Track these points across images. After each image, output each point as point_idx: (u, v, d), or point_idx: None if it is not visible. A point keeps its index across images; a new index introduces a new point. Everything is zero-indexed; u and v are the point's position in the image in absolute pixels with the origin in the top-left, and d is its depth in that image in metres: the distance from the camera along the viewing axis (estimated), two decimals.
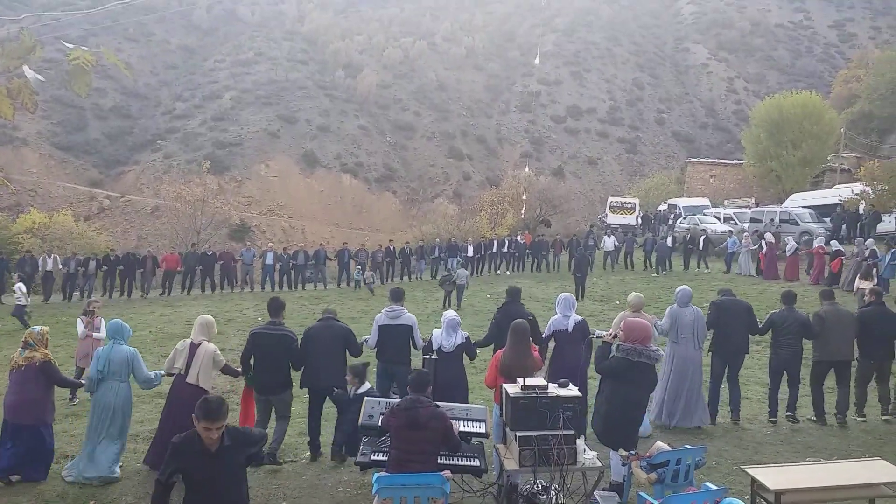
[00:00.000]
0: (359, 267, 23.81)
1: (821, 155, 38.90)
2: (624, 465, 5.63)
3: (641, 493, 5.04)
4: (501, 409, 5.78)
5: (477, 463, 5.50)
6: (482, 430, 5.89)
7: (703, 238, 25.01)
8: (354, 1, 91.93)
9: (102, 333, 10.01)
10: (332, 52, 77.40)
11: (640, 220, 36.58)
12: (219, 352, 6.78)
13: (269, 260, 23.78)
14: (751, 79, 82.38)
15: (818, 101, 39.64)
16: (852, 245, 19.52)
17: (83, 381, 7.07)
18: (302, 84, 68.55)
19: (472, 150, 66.85)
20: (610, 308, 17.49)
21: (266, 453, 6.73)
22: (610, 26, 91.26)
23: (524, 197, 38.47)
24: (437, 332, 7.12)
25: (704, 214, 31.48)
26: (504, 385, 5.54)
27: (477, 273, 26.54)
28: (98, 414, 6.50)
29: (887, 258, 17.58)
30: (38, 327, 6.76)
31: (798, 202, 30.46)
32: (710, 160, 54.28)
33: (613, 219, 35.70)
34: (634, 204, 37.56)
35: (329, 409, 7.35)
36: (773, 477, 5.11)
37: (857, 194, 27.31)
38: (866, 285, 14.92)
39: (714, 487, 4.88)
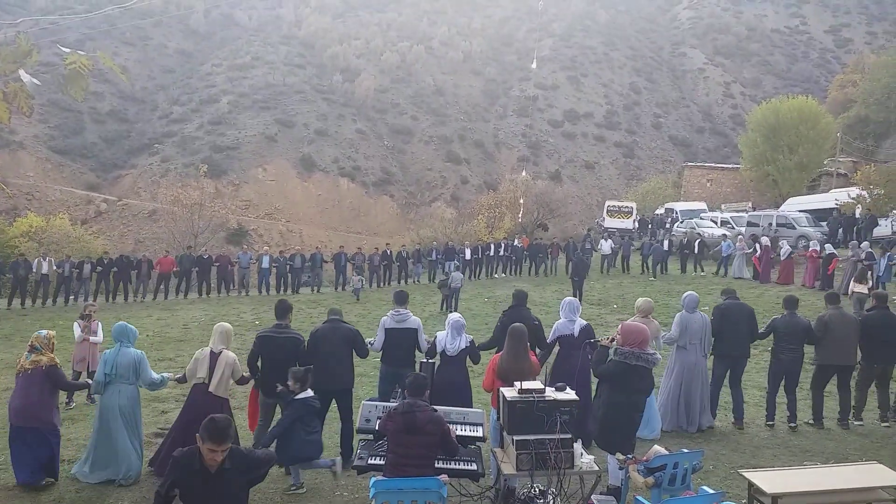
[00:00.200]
0: (356, 273, 23.77)
1: (817, 159, 39.05)
2: (621, 468, 5.62)
3: (639, 497, 5.04)
4: (498, 413, 5.77)
5: (474, 467, 5.49)
6: (479, 433, 5.88)
7: (698, 242, 25.08)
8: (352, 5, 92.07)
9: (99, 337, 10.00)
10: (329, 57, 77.50)
11: (637, 224, 36.63)
12: (238, 361, 6.71)
13: (266, 263, 23.77)
14: (747, 83, 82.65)
15: (814, 106, 39.79)
16: (847, 249, 19.59)
17: (89, 381, 7.03)
18: (299, 88, 68.61)
19: (470, 155, 66.93)
20: (607, 312, 17.51)
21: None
22: (607, 31, 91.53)
23: (521, 201, 38.50)
24: (441, 335, 7.06)
25: (701, 218, 31.54)
26: (501, 389, 5.53)
27: (475, 277, 26.55)
28: (105, 417, 6.47)
29: (883, 262, 17.66)
30: (44, 331, 6.71)
31: (795, 206, 30.56)
32: (706, 164, 54.41)
33: (611, 223, 35.73)
34: (632, 208, 37.60)
35: (331, 412, 7.33)
36: (770, 481, 5.11)
37: (853, 198, 27.43)
38: (861, 288, 15.01)
39: (711, 491, 4.88)
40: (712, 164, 54.03)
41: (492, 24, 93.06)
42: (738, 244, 23.24)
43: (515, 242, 28.65)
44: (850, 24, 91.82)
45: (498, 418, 5.82)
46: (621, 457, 5.54)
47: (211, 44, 79.34)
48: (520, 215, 37.98)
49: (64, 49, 3.45)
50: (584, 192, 64.18)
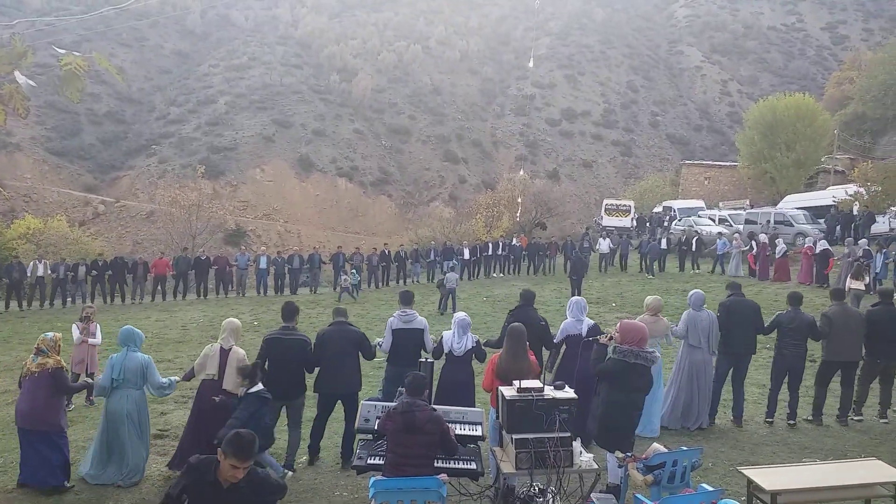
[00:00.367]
0: (353, 272, 23.71)
1: (814, 156, 39.12)
2: (620, 466, 5.63)
3: (638, 496, 5.03)
4: (498, 412, 5.77)
5: (473, 466, 5.49)
6: (478, 433, 5.88)
7: (696, 240, 25.12)
8: (348, 5, 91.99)
9: (98, 339, 10.00)
10: (326, 57, 77.45)
11: (635, 223, 36.65)
12: (247, 358, 6.70)
13: (263, 264, 23.76)
14: (744, 81, 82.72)
15: (811, 103, 39.86)
16: (843, 246, 19.63)
17: (89, 381, 7.00)
18: (296, 88, 68.55)
19: (468, 154, 66.92)
20: (606, 310, 17.51)
21: (284, 464, 6.72)
22: (604, 29, 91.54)
23: (519, 200, 38.43)
24: (447, 335, 7.05)
25: (699, 216, 31.57)
26: (500, 388, 5.53)
27: (473, 276, 26.55)
28: (112, 421, 6.46)
29: (879, 258, 17.71)
30: (50, 333, 6.67)
31: (792, 204, 30.61)
32: (704, 162, 54.50)
33: (609, 221, 35.74)
34: (630, 206, 37.62)
35: (335, 415, 7.33)
36: (769, 478, 5.12)
37: (850, 195, 27.46)
38: (857, 285, 15.04)
39: (710, 489, 4.88)
40: (710, 162, 54.11)
41: (489, 23, 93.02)
42: (734, 242, 23.26)
43: (514, 242, 28.65)
44: (846, 21, 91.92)
45: (497, 417, 5.82)
46: (620, 455, 5.55)
47: (207, 44, 79.25)
48: (518, 214, 37.94)
49: (59, 50, 3.44)
50: (582, 190, 64.21)
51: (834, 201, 28.25)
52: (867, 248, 18.33)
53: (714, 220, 30.63)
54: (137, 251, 38.01)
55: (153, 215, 47.55)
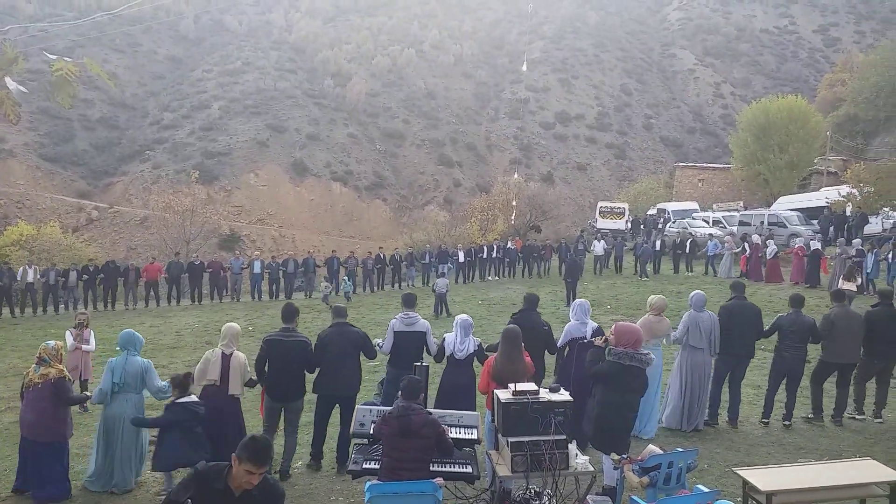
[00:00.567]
0: (346, 279, 23.60)
1: (807, 158, 39.24)
2: (616, 468, 5.62)
3: (634, 497, 5.04)
4: (493, 415, 5.76)
5: (469, 469, 5.48)
6: (474, 436, 5.87)
7: (690, 242, 25.18)
8: (342, 9, 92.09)
9: (92, 345, 9.95)
10: (320, 61, 77.49)
11: (629, 225, 36.72)
12: (248, 362, 6.68)
13: (257, 269, 23.70)
14: (737, 83, 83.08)
15: (804, 105, 40.01)
16: (836, 247, 19.73)
17: (89, 394, 6.96)
18: (290, 93, 68.56)
19: (462, 157, 66.98)
20: (601, 312, 17.52)
21: (280, 469, 6.69)
22: (597, 33, 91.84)
23: (514, 203, 38.48)
24: (449, 337, 7.01)
25: (693, 218, 31.66)
26: (495, 391, 5.53)
27: (468, 279, 26.56)
28: (110, 426, 6.42)
29: (871, 258, 17.81)
30: (52, 342, 6.58)
31: (786, 205, 30.72)
32: (698, 164, 54.64)
33: (603, 224, 35.78)
34: (624, 209, 37.68)
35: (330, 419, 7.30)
36: (764, 478, 5.12)
37: (843, 196, 27.56)
38: (849, 286, 15.09)
39: (706, 490, 4.88)
40: (703, 165, 54.26)
41: (482, 27, 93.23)
42: (725, 244, 23.31)
43: (509, 244, 28.66)
44: (838, 24, 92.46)
45: (493, 420, 5.82)
46: (616, 457, 5.55)
47: (201, 49, 79.22)
48: (512, 217, 37.98)
49: (50, 56, 3.43)
50: (576, 193, 64.33)
51: (827, 202, 28.36)
52: (860, 248, 18.43)
53: (708, 222, 30.70)
54: (132, 257, 37.88)
55: (147, 221, 47.43)
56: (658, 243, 26.26)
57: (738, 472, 5.41)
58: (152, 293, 22.56)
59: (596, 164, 69.83)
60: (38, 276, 21.00)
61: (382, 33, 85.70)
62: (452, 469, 5.43)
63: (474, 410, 6.41)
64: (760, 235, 23.44)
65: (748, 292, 18.75)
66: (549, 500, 4.94)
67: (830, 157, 42.06)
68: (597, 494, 5.57)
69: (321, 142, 62.27)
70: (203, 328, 17.32)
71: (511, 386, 5.36)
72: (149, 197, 47.85)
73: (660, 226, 34.82)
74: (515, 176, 48.87)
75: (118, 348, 6.77)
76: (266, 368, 6.85)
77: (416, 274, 26.85)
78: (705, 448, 7.36)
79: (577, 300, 7.89)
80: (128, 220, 50.93)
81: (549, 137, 72.21)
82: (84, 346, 9.73)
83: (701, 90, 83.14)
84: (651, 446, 5.72)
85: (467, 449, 5.81)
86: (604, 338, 6.19)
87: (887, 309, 8.55)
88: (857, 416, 8.65)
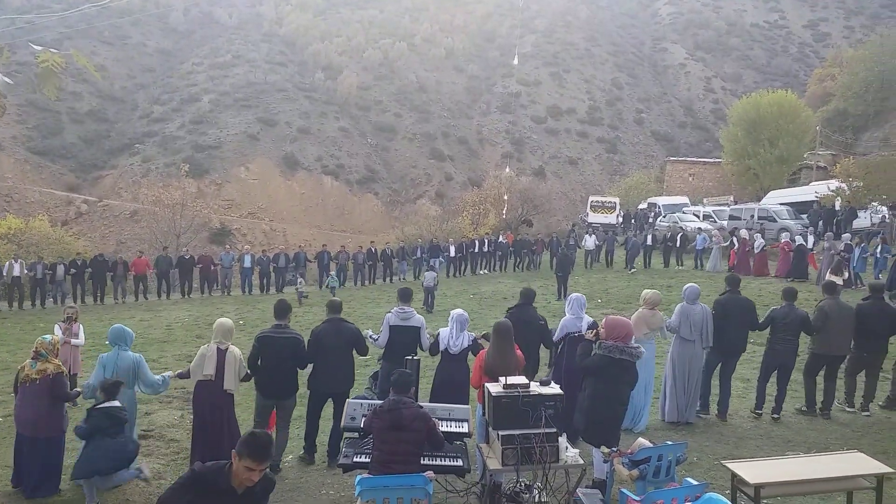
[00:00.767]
0: (332, 274, 23.48)
1: (797, 152, 39.47)
2: (606, 461, 5.65)
3: (624, 490, 5.06)
4: (484, 409, 5.77)
5: (460, 463, 5.50)
6: (465, 429, 5.88)
7: (680, 236, 25.30)
8: (333, 2, 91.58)
9: (81, 340, 9.89)
10: (311, 54, 77.08)
11: (620, 219, 36.82)
12: (243, 357, 6.65)
13: (247, 263, 23.64)
14: (728, 78, 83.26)
15: (794, 100, 40.21)
16: (823, 241, 19.89)
17: (80, 390, 6.92)
18: (281, 86, 68.17)
19: (454, 151, 66.87)
20: (592, 306, 17.55)
21: (270, 463, 6.65)
22: (588, 27, 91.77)
23: (506, 197, 38.50)
24: (444, 332, 7.02)
25: (684, 213, 31.79)
26: (486, 384, 5.54)
27: (460, 273, 26.57)
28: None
29: (857, 252, 17.96)
30: (48, 336, 6.50)
31: (775, 199, 30.88)
32: (688, 159, 54.86)
33: (594, 218, 35.87)
34: (615, 203, 37.78)
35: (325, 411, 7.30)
36: (752, 471, 5.16)
37: (833, 191, 27.73)
38: (836, 280, 15.20)
39: (695, 483, 4.91)
40: (694, 159, 54.48)
41: (474, 20, 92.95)
42: (713, 238, 23.43)
43: (500, 239, 28.70)
44: (827, 19, 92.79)
45: (483, 413, 5.83)
46: (606, 450, 5.57)
47: (191, 42, 78.62)
48: (504, 212, 38.00)
49: (36, 47, 3.39)
50: (567, 187, 64.39)
51: (816, 197, 28.52)
52: (849, 242, 18.55)
53: (698, 217, 30.82)
54: (121, 251, 37.55)
55: (137, 214, 47.13)
56: (650, 238, 26.38)
57: (726, 464, 5.44)
58: (141, 287, 22.44)
59: (587, 159, 69.87)
60: (26, 271, 20.81)
61: (374, 26, 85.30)
62: (443, 462, 5.45)
63: (466, 404, 6.42)
64: (750, 230, 23.55)
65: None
66: (539, 493, 4.96)
67: (820, 152, 42.29)
68: (587, 487, 5.59)
69: (312, 135, 62.00)
70: (193, 322, 17.26)
71: (502, 379, 5.37)
72: (138, 190, 47.47)
73: (650, 220, 34.92)
74: (507, 170, 48.88)
75: (108, 343, 6.71)
76: (259, 365, 6.83)
77: (408, 268, 26.85)
78: (694, 441, 7.41)
79: (573, 294, 7.90)
80: (117, 214, 50.59)
81: (541, 131, 72.18)
82: (73, 341, 9.66)
83: (692, 84, 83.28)
84: (641, 439, 5.76)
85: (458, 442, 5.82)
86: (594, 331, 6.21)
87: (878, 302, 8.62)
88: (848, 409, 8.72)
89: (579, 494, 5.31)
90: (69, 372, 9.49)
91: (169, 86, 68.39)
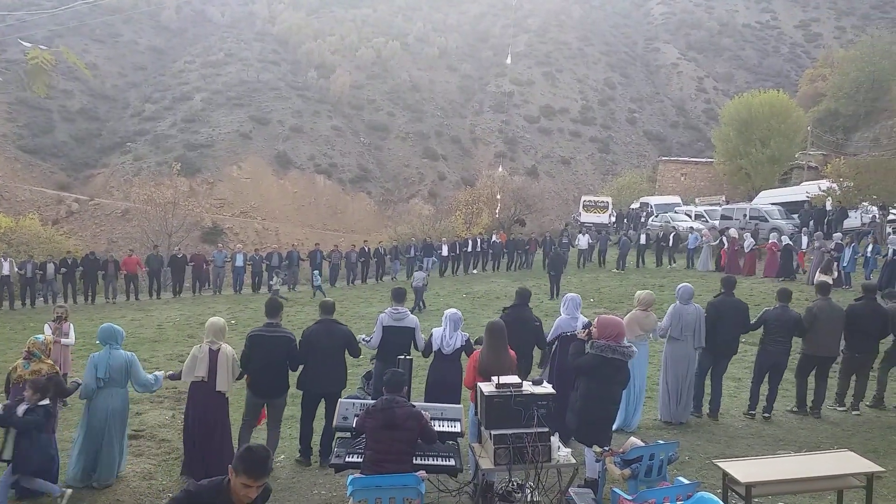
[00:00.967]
0: (316, 273, 23.37)
1: (788, 152, 39.64)
2: (598, 461, 5.66)
3: (616, 490, 5.07)
4: (476, 408, 5.77)
5: (452, 462, 5.49)
6: (457, 429, 5.87)
7: (673, 235, 25.40)
8: (326, 1, 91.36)
9: (71, 339, 9.81)
10: (304, 53, 76.89)
11: (613, 219, 36.90)
12: (236, 356, 6.60)
13: (239, 262, 23.56)
14: (720, 78, 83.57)
15: (785, 100, 40.39)
16: (814, 241, 20.00)
17: (78, 381, 6.87)
18: (274, 85, 67.98)
19: (447, 151, 66.87)
20: (584, 306, 17.60)
21: None
22: (581, 27, 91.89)
23: (499, 196, 38.52)
24: (437, 332, 7.00)
25: (676, 212, 31.89)
26: (478, 384, 5.53)
27: (452, 273, 26.57)
28: (95, 421, 6.33)
29: (848, 252, 18.05)
30: (41, 336, 6.42)
31: (767, 199, 31.01)
32: (681, 159, 55.01)
33: (587, 217, 35.92)
34: (607, 203, 37.85)
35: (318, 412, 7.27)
36: (744, 470, 5.17)
37: (824, 191, 27.86)
38: (826, 279, 15.27)
39: (686, 482, 4.93)
40: (686, 159, 54.63)
41: (467, 20, 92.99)
42: (704, 237, 23.55)
43: (493, 238, 28.71)
44: (819, 19, 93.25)
45: (476, 413, 5.82)
46: (598, 449, 5.58)
47: (183, 40, 78.27)
48: (497, 211, 38.01)
49: (26, 44, 3.36)
50: (560, 187, 64.47)
51: (807, 197, 28.65)
52: (840, 242, 18.65)
53: (690, 216, 30.92)
54: (113, 249, 37.34)
55: (128, 213, 46.88)
56: (643, 237, 26.46)
57: (718, 463, 5.45)
58: (132, 286, 22.31)
59: (580, 158, 69.99)
60: (16, 269, 20.62)
61: (367, 25, 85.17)
62: (435, 462, 5.44)
63: (458, 403, 6.41)
64: (741, 229, 23.66)
65: None
66: (531, 492, 4.96)
67: (811, 152, 42.49)
68: (579, 487, 5.60)
69: (305, 134, 61.86)
70: (185, 321, 17.19)
71: (494, 378, 5.37)
72: (130, 189, 47.27)
73: (643, 220, 35.01)
74: (500, 169, 48.94)
75: (98, 343, 6.66)
76: (250, 364, 6.78)
77: (401, 267, 26.82)
78: (686, 440, 7.43)
79: (569, 294, 7.87)
80: (109, 213, 50.30)
81: (534, 131, 72.25)
82: (63, 340, 9.58)
83: (684, 84, 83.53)
84: (633, 438, 5.76)
85: (450, 442, 5.82)
86: (586, 331, 6.22)
87: (870, 303, 8.64)
88: (838, 408, 8.76)
89: (571, 494, 5.32)
90: (60, 371, 9.44)
91: (161, 84, 68.08)
